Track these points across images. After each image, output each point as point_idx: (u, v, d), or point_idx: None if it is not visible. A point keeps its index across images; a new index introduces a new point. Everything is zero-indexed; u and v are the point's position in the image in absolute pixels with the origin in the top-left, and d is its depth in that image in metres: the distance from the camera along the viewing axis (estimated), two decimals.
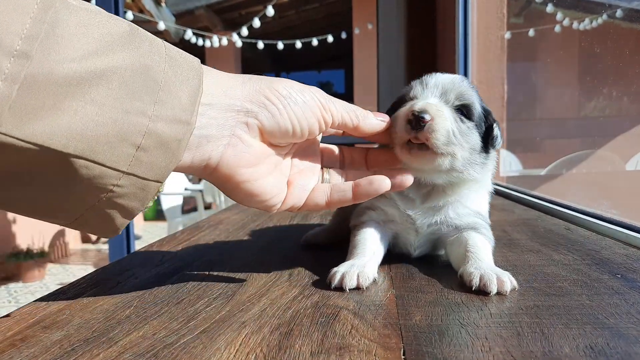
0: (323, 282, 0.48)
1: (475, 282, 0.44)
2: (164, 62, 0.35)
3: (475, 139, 0.50)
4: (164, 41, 0.38)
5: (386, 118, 0.49)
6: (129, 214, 0.36)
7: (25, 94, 0.29)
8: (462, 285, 0.46)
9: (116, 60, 0.32)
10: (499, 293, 0.44)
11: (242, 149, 0.40)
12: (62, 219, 0.35)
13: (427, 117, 0.46)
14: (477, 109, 0.51)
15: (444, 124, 0.47)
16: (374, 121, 0.48)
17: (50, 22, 0.30)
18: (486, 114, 0.52)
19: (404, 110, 0.48)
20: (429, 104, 0.48)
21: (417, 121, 0.46)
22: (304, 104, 0.42)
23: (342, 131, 0.48)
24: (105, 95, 0.31)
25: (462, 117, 0.50)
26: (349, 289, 0.46)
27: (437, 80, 0.51)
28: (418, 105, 0.47)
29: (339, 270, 0.47)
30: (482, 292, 0.44)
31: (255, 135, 0.40)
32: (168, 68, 0.35)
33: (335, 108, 0.44)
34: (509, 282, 0.44)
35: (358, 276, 0.46)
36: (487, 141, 0.52)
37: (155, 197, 0.37)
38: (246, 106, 0.39)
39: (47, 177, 0.32)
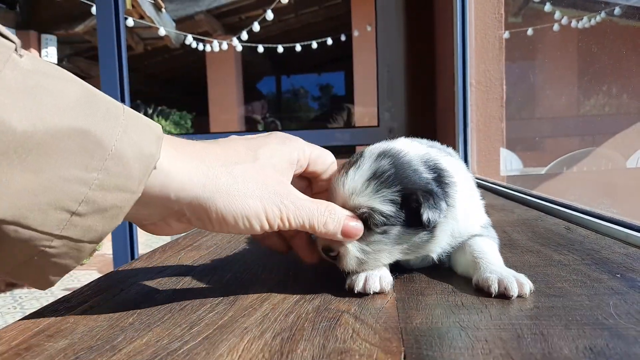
0: (324, 286, 0.49)
1: (495, 287, 0.44)
2: (120, 127, 0.35)
3: (394, 237, 0.47)
4: (124, 105, 0.37)
5: (359, 229, 0.46)
6: (63, 271, 0.36)
7: None
8: (462, 288, 0.47)
9: (63, 128, 0.31)
10: (519, 296, 0.43)
11: (167, 230, 0.44)
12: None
13: (332, 253, 0.48)
14: (383, 211, 0.46)
15: (350, 255, 0.47)
16: (331, 230, 0.45)
17: None
18: (405, 197, 0.46)
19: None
20: (332, 242, 0.48)
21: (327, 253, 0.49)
22: (244, 200, 0.41)
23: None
24: (44, 162, 0.31)
25: (371, 225, 0.47)
26: (373, 292, 0.46)
27: (345, 184, 0.48)
28: (322, 242, 0.49)
29: (360, 275, 0.47)
30: (502, 296, 0.44)
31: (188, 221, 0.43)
32: (123, 135, 0.35)
33: (291, 214, 0.43)
34: (528, 284, 0.44)
35: (380, 279, 0.47)
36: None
37: (91, 255, 0.37)
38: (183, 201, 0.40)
39: None
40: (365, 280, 0.46)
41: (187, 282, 0.53)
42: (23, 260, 0.34)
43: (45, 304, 0.48)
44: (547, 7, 2.01)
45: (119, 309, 0.45)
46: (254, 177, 0.42)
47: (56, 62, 4.90)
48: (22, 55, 0.32)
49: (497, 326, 0.37)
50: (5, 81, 0.30)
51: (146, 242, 5.39)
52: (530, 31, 2.11)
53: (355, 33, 5.83)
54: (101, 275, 0.60)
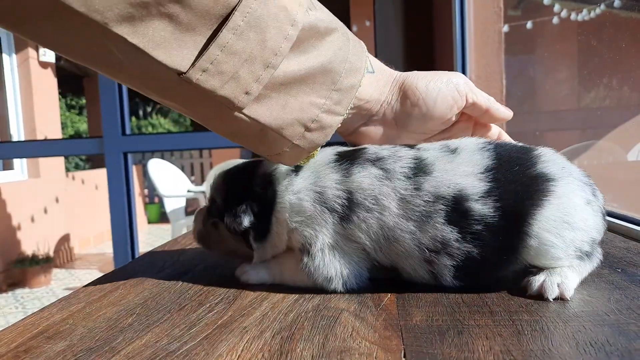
0: None
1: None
2: (345, 68, 0.45)
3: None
4: (363, 46, 0.49)
5: (510, 112, 0.55)
6: (287, 160, 0.48)
7: (265, 89, 0.42)
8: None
9: (316, 69, 0.43)
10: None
11: (366, 139, 0.54)
12: (262, 151, 0.48)
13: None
14: (218, 202, 0.53)
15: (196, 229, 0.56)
16: (502, 108, 0.55)
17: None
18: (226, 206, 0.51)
19: None
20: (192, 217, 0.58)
21: None
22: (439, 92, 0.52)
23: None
24: (305, 92, 0.43)
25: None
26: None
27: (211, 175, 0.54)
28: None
29: None
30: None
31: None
32: (344, 72, 0.45)
33: (474, 94, 0.53)
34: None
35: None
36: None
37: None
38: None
39: (253, 135, 0.45)
40: None
41: (186, 282, 0.53)
42: (274, 153, 0.46)
43: (46, 303, 0.48)
44: (547, 0, 2.00)
45: (118, 309, 0.45)
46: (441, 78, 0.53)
47: (54, 61, 4.89)
48: (310, 9, 0.43)
49: (497, 322, 0.37)
50: (298, 37, 0.42)
51: (146, 240, 5.40)
52: (529, 24, 2.10)
53: (355, 28, 5.81)
54: (102, 274, 0.60)
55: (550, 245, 0.43)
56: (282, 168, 0.50)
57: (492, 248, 0.43)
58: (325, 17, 0.45)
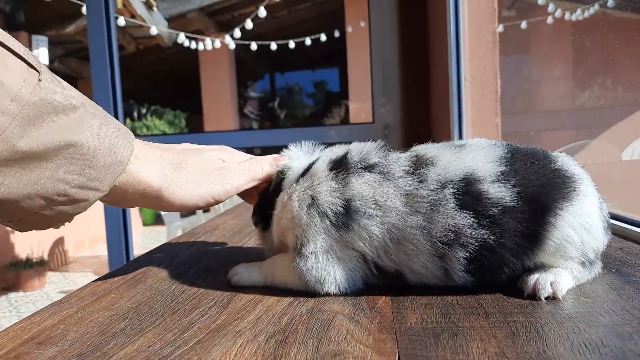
0: None
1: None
2: (102, 141, 0.44)
3: None
4: (110, 117, 0.47)
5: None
6: (40, 226, 0.46)
7: None
8: (457, 287, 0.46)
9: (60, 143, 0.41)
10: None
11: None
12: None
13: None
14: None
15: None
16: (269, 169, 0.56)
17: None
18: None
19: None
20: None
21: None
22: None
23: None
24: (46, 168, 0.41)
25: None
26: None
27: None
28: None
29: None
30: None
31: None
32: (103, 147, 0.44)
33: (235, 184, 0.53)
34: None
35: None
36: None
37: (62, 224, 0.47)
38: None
39: None
40: None
41: (179, 285, 0.52)
42: (15, 219, 0.45)
43: (41, 307, 0.48)
44: (541, 0, 2.00)
45: (110, 314, 0.44)
46: (198, 167, 0.53)
47: (47, 63, 4.86)
48: (41, 80, 0.40)
49: (492, 324, 0.37)
50: (25, 111, 0.39)
51: (141, 243, 5.38)
52: (524, 24, 2.10)
53: (349, 29, 5.81)
54: (96, 277, 0.59)
55: (570, 242, 0.42)
56: (291, 175, 0.51)
57: (511, 235, 0.41)
58: (73, 94, 0.43)
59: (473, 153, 0.44)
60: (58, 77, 0.44)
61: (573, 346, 0.33)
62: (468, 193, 0.42)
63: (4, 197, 0.41)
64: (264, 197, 0.55)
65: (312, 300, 0.45)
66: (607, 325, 0.36)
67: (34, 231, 0.48)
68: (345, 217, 0.44)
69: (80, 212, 0.46)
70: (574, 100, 1.90)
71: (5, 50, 0.39)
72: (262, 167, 0.55)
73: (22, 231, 0.47)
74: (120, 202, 0.50)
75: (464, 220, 0.41)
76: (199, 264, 0.61)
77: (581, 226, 0.42)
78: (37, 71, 0.41)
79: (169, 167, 0.51)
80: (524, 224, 0.41)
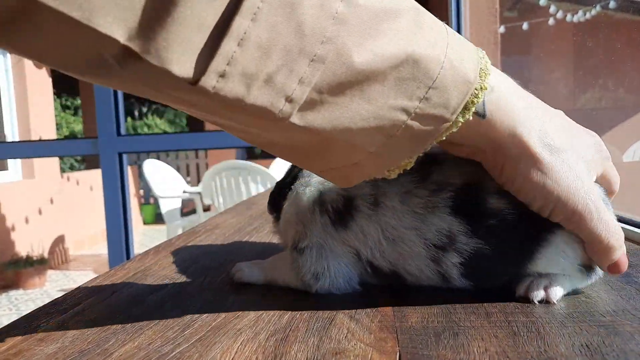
0: None
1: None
2: (444, 55, 0.33)
3: None
4: (447, 27, 0.36)
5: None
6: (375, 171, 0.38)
7: (317, 92, 0.31)
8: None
9: (395, 59, 0.32)
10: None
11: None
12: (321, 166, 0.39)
13: None
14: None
15: None
16: (611, 257, 0.41)
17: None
18: None
19: None
20: None
21: None
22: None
23: None
24: (378, 92, 0.32)
25: None
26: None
27: None
28: None
29: None
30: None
31: None
32: (446, 62, 0.33)
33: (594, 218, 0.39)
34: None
35: None
36: None
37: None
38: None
39: (312, 150, 0.36)
40: None
41: (180, 283, 0.52)
42: (342, 165, 0.37)
43: (41, 305, 0.48)
44: (543, 1, 2.00)
45: (111, 311, 0.44)
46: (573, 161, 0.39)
47: None
48: None
49: (493, 324, 0.37)
50: (345, 19, 0.30)
51: (142, 241, 5.38)
52: (525, 25, 2.10)
53: None
54: (96, 275, 0.59)
55: (566, 257, 0.41)
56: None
57: (506, 248, 0.41)
58: None
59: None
60: None
61: (574, 346, 0.32)
62: (467, 200, 0.41)
63: (339, 138, 0.33)
64: (279, 186, 0.53)
65: (312, 298, 0.45)
66: (608, 326, 0.36)
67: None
68: (345, 214, 0.44)
69: (417, 152, 0.36)
70: (575, 101, 1.90)
71: None
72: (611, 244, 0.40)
73: (350, 185, 0.39)
74: (460, 149, 0.39)
75: (459, 226, 0.41)
76: (199, 262, 0.61)
77: (577, 242, 0.41)
78: None
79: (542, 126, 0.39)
80: (519, 238, 0.41)
